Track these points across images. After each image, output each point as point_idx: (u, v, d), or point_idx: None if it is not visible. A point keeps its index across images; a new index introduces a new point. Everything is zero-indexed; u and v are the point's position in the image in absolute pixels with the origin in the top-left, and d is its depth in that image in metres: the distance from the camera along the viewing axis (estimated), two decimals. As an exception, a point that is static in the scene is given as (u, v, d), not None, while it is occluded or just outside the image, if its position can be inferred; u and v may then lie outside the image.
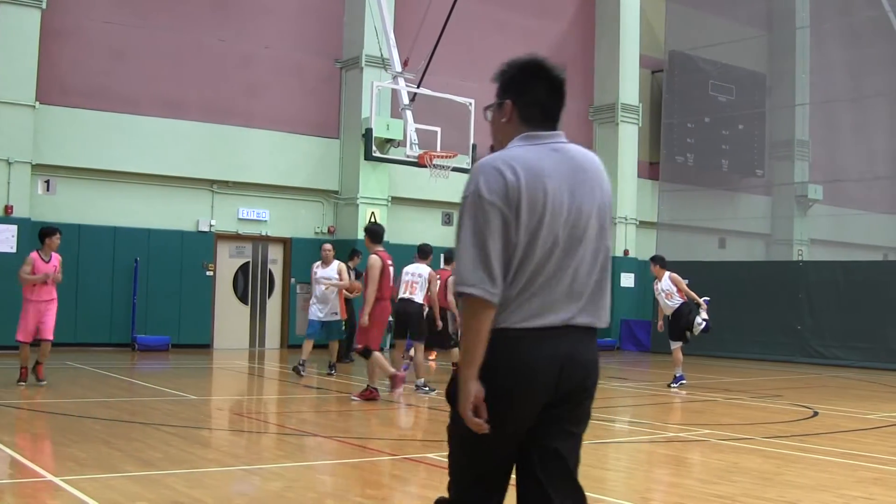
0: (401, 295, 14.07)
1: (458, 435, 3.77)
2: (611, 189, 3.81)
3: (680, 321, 16.43)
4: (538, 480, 3.64)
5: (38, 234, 13.91)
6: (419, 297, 14.21)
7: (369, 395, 12.95)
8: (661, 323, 16.89)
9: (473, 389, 3.48)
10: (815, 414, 13.30)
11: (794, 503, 7.35)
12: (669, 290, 16.46)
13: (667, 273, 16.63)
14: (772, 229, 31.83)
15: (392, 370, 13.17)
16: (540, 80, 3.77)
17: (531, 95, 3.75)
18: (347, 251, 19.12)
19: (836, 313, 22.98)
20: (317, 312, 16.06)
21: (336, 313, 16.30)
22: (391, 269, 13.10)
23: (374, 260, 12.81)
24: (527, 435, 3.63)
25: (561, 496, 3.62)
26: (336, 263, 16.31)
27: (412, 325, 14.22)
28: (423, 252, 14.70)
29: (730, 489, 7.98)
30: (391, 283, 13.18)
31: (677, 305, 16.45)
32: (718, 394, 15.78)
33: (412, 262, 14.54)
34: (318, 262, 16.52)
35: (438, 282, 15.10)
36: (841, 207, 30.68)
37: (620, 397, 15.68)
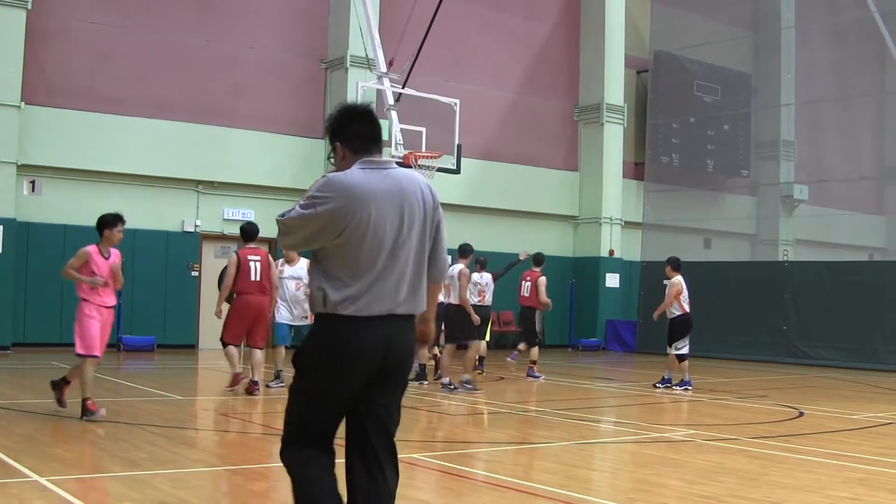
0: (474, 300, 15.27)
1: (304, 392, 4.72)
2: (435, 203, 4.77)
3: (679, 328, 16.27)
4: (364, 430, 4.73)
5: (97, 225, 10.87)
6: (452, 298, 15.03)
7: (235, 384, 13.77)
8: (657, 315, 16.61)
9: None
10: (801, 414, 13.34)
11: (779, 503, 7.36)
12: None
13: (677, 276, 16.39)
14: (757, 229, 31.91)
15: (238, 368, 13.89)
16: (353, 119, 4.74)
17: (352, 132, 4.71)
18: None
19: (821, 314, 23.06)
20: (286, 315, 15.04)
21: (307, 318, 14.96)
22: (253, 265, 13.87)
23: (232, 258, 14.06)
24: (360, 396, 4.66)
25: (377, 442, 4.73)
26: (303, 261, 14.80)
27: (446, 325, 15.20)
28: (464, 251, 15.43)
29: (715, 489, 7.99)
30: (252, 279, 13.85)
31: (679, 313, 16.26)
32: (703, 394, 15.81)
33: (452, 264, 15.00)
34: (282, 260, 15.33)
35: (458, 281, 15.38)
36: (826, 208, 30.77)
37: (605, 397, 15.70)
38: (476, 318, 15.23)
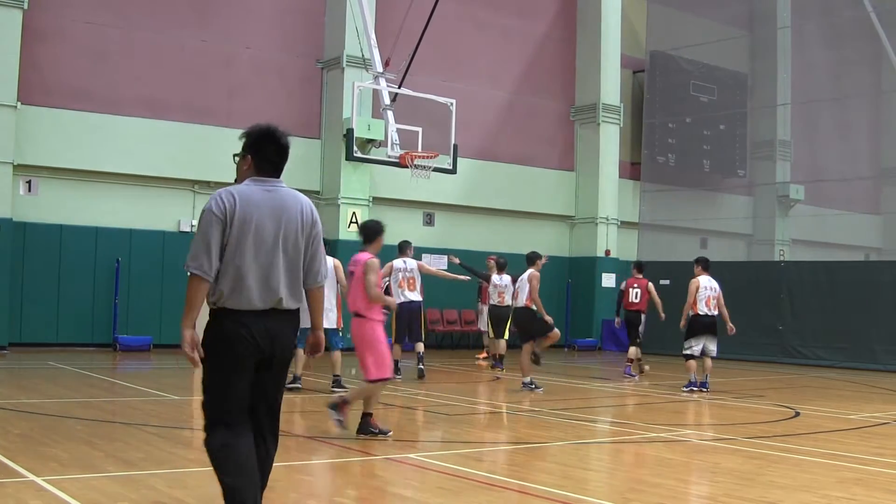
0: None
1: (210, 382, 5.44)
2: (314, 220, 5.64)
3: (689, 329, 16.29)
4: (255, 407, 5.51)
5: (373, 232, 10.42)
6: (518, 301, 15.26)
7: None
8: (683, 322, 16.50)
9: (189, 335, 5.34)
10: (797, 414, 13.35)
11: (775, 503, 7.37)
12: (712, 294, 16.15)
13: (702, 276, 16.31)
14: (753, 229, 31.94)
15: None
16: (272, 144, 5.60)
17: (263, 154, 5.58)
18: (327, 251, 19.04)
19: (817, 314, 23.08)
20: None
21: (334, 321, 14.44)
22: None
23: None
24: (255, 378, 5.44)
25: (264, 417, 5.55)
26: (330, 260, 13.94)
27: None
28: (531, 259, 15.65)
29: (711, 489, 8.00)
30: None
31: (691, 313, 16.23)
32: (700, 394, 15.81)
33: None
34: None
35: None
36: (822, 207, 30.81)
37: (602, 397, 15.70)
38: (549, 318, 15.17)
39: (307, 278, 5.65)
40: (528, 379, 15.08)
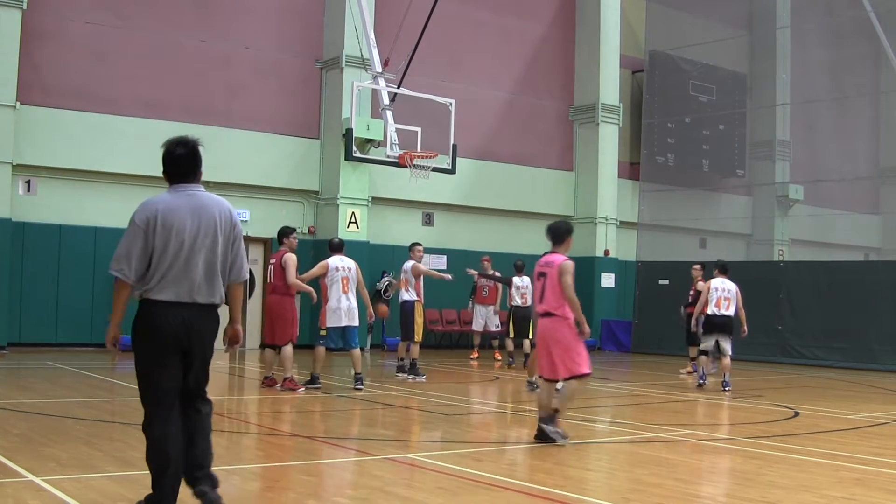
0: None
1: (140, 368, 6.08)
2: (233, 222, 6.20)
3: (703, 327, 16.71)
4: (185, 388, 6.14)
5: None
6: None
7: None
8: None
9: (112, 332, 6.10)
10: (797, 414, 13.35)
11: (775, 503, 7.37)
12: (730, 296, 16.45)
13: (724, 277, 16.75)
14: (752, 229, 31.94)
15: (269, 372, 14.67)
16: (175, 155, 6.18)
17: (173, 166, 6.20)
18: (326, 251, 19.01)
19: (816, 313, 23.09)
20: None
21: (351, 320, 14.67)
22: (270, 266, 14.74)
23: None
24: (182, 363, 6.04)
25: (192, 392, 6.18)
26: (351, 262, 14.80)
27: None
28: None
29: (711, 489, 8.01)
30: (268, 280, 14.79)
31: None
32: (699, 394, 15.82)
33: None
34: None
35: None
36: (822, 207, 30.81)
37: (601, 398, 15.70)
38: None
39: (229, 276, 6.24)
40: (533, 378, 14.87)
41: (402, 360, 17.22)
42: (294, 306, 14.66)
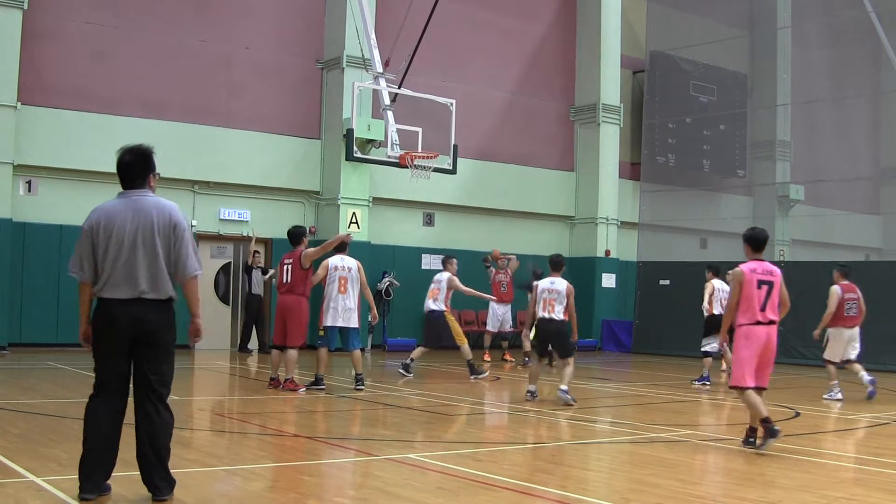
0: (542, 314, 13.75)
1: (95, 356, 6.61)
2: (172, 223, 6.59)
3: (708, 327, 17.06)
4: (136, 378, 6.61)
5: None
6: (559, 314, 13.74)
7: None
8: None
9: (83, 328, 6.66)
10: (797, 414, 13.36)
11: (775, 503, 7.37)
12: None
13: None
14: (753, 230, 31.88)
15: (274, 373, 14.54)
16: (118, 166, 6.85)
17: (120, 173, 6.86)
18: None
19: (818, 314, 22.98)
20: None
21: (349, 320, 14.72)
22: (285, 267, 14.28)
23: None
24: (133, 358, 6.57)
25: (144, 383, 6.58)
26: (353, 261, 14.80)
27: (558, 343, 13.90)
28: (556, 264, 14.22)
29: (711, 489, 8.01)
30: (284, 281, 14.24)
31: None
32: (700, 394, 15.82)
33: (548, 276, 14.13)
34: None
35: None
36: (822, 208, 30.80)
37: (602, 398, 15.71)
38: (575, 337, 14.53)
39: (176, 273, 6.64)
40: (564, 386, 13.79)
41: (412, 360, 17.16)
42: (307, 308, 14.34)
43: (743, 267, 10.30)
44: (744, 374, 9.94)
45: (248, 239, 22.54)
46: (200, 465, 8.25)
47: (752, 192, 31.94)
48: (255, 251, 22.09)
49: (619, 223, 28.03)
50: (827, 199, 30.94)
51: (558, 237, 27.93)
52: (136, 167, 6.78)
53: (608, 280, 27.51)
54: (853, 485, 8.28)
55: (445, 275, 17.25)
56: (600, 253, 27.48)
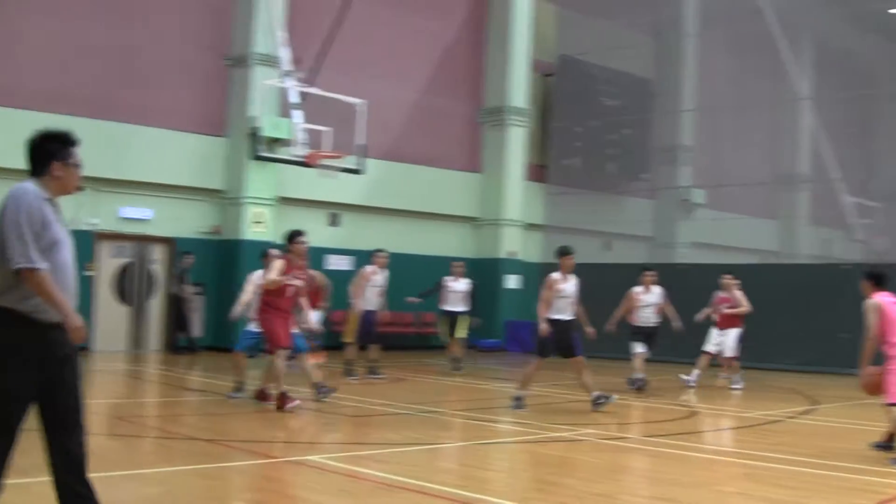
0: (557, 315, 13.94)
1: None
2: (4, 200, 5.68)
3: None
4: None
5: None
6: (569, 314, 14.08)
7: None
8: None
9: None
10: (695, 413, 13.58)
11: (672, 500, 7.48)
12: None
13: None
14: (655, 232, 32.40)
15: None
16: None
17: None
18: (232, 251, 18.81)
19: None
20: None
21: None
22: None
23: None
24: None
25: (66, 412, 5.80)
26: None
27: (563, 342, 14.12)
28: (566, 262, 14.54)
29: (611, 488, 8.09)
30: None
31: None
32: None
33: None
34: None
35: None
36: (722, 211, 31.43)
37: (504, 398, 15.77)
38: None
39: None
40: (596, 393, 13.83)
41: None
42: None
43: (878, 298, 10.33)
44: None
45: (149, 238, 22.11)
46: (95, 471, 8.05)
47: (656, 195, 32.43)
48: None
49: (523, 225, 28.20)
50: (726, 203, 31.57)
51: (463, 238, 28.01)
52: (30, 156, 5.94)
53: (512, 281, 27.68)
54: (745, 479, 8.47)
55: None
56: (504, 254, 27.63)
